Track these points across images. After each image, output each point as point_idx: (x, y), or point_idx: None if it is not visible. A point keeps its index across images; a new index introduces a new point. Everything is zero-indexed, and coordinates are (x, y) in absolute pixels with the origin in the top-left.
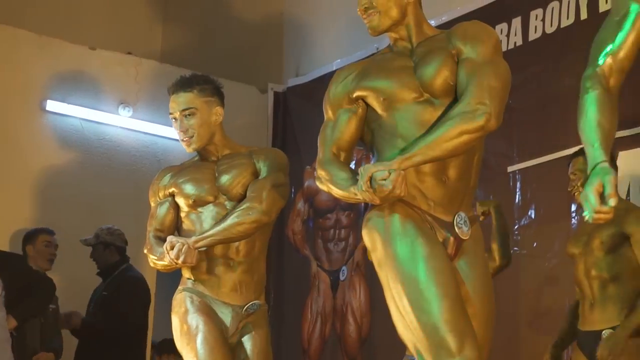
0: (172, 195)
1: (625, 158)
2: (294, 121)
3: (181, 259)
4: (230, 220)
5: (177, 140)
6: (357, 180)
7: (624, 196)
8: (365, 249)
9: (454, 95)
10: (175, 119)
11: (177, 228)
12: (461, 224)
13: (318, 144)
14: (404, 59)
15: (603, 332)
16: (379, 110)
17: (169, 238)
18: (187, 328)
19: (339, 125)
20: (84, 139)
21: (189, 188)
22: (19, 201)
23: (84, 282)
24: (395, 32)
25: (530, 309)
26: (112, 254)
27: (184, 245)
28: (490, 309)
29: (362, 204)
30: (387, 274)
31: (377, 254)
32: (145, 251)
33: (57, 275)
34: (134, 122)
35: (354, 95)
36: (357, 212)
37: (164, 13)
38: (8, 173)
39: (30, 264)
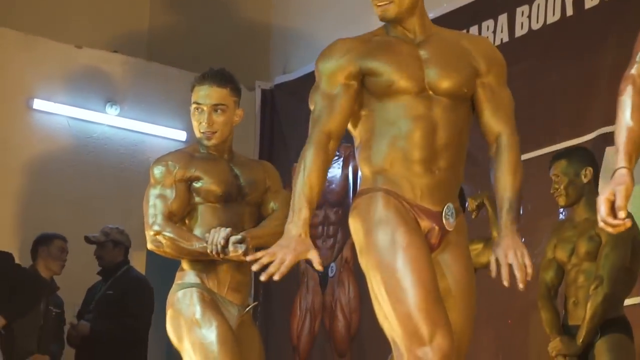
0: (190, 181)
1: (611, 154)
2: (282, 118)
3: (248, 255)
4: (276, 227)
5: (165, 138)
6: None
7: None
8: (354, 245)
9: (457, 97)
10: (201, 110)
11: (183, 217)
12: (449, 216)
13: (313, 114)
14: (410, 47)
15: None
16: (376, 95)
17: (226, 230)
18: (200, 325)
19: (337, 100)
20: (72, 137)
21: (218, 181)
22: (5, 199)
23: (73, 280)
24: (402, 21)
25: (519, 305)
26: (119, 254)
27: (248, 241)
28: (472, 301)
29: (350, 199)
30: (367, 262)
31: (359, 241)
32: (151, 232)
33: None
34: (121, 121)
35: (357, 72)
36: (345, 209)
37: (150, 11)
38: None
39: (38, 265)
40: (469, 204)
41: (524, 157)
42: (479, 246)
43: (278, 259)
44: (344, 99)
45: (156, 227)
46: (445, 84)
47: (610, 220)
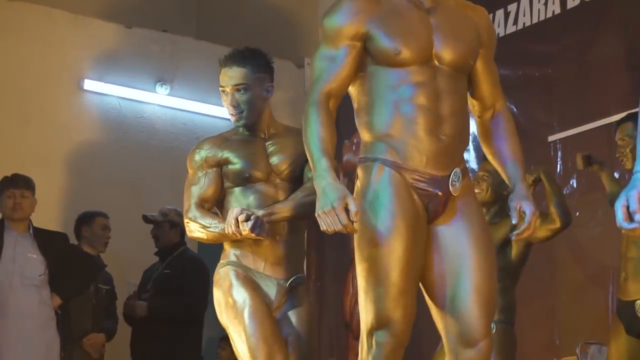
0: (220, 166)
1: None
2: None
3: (257, 231)
4: (300, 199)
5: (216, 117)
6: None
7: None
8: None
9: (461, 68)
10: (225, 92)
11: (218, 201)
12: (455, 181)
13: (313, 74)
14: (421, 13)
15: (636, 302)
16: (380, 59)
17: (238, 210)
18: (233, 302)
19: (338, 61)
20: (122, 117)
21: (243, 163)
22: (57, 180)
23: (124, 259)
24: None
25: (573, 279)
26: (176, 235)
27: (258, 217)
28: (491, 258)
29: None
30: (355, 237)
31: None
32: (186, 220)
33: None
34: (171, 100)
35: (363, 34)
36: None
37: None
38: (47, 152)
39: (83, 245)
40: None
41: (578, 129)
42: None
43: (330, 222)
44: (346, 60)
45: (189, 215)
46: (453, 55)
47: (626, 225)
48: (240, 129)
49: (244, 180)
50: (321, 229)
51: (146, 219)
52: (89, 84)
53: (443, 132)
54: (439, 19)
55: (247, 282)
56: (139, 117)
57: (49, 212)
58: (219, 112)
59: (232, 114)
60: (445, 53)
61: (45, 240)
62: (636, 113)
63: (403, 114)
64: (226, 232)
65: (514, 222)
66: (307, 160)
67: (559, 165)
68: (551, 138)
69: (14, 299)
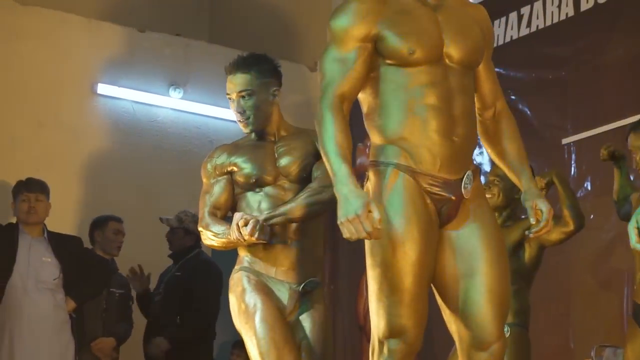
0: (230, 173)
1: None
2: None
3: (256, 235)
4: (303, 200)
5: (229, 120)
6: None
7: None
8: None
9: (470, 65)
10: (231, 99)
11: (231, 207)
12: (467, 184)
13: (324, 78)
14: (429, 12)
15: None
16: (392, 60)
17: (239, 215)
18: (245, 307)
19: (350, 63)
20: (136, 121)
21: (250, 168)
22: (71, 184)
23: (138, 261)
24: None
25: (588, 282)
26: (189, 240)
27: (257, 221)
28: (504, 259)
29: None
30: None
31: None
32: (200, 228)
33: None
34: (184, 104)
35: (374, 35)
36: None
37: None
38: (61, 156)
39: (96, 249)
40: (538, 182)
41: (592, 132)
42: None
43: (354, 230)
44: (358, 62)
45: (202, 223)
46: (462, 52)
47: (637, 246)
48: (252, 135)
49: (252, 184)
50: (344, 236)
51: (162, 222)
52: (103, 88)
53: (456, 133)
54: (446, 17)
55: (259, 287)
56: (152, 121)
57: (63, 216)
58: (231, 115)
59: (239, 121)
60: (455, 51)
61: (60, 244)
62: None
63: (416, 115)
64: (231, 238)
65: (532, 222)
66: (315, 161)
67: (573, 168)
68: (565, 141)
69: (28, 303)
